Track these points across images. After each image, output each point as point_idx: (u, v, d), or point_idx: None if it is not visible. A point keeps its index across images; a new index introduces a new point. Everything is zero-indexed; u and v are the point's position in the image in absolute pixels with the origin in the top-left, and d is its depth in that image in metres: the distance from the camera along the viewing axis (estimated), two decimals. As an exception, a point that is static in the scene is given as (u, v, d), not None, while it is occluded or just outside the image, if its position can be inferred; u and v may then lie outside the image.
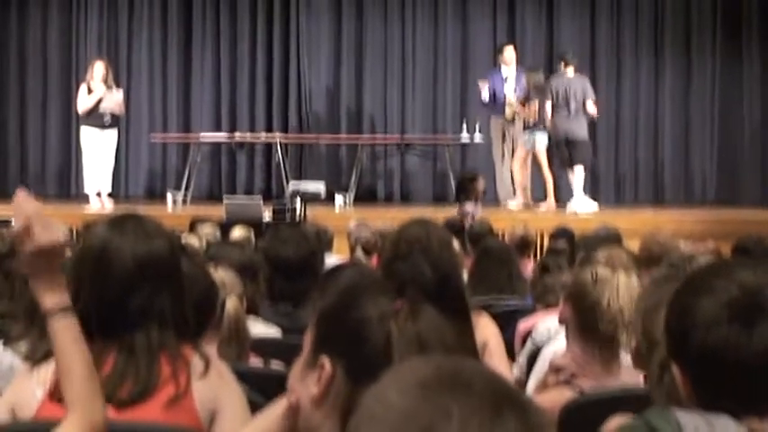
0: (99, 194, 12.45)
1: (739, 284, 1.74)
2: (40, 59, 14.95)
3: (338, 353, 1.71)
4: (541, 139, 12.30)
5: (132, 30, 15.00)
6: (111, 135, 12.50)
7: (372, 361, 1.66)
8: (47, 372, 2.47)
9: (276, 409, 1.95)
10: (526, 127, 12.37)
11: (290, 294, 4.14)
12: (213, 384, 2.50)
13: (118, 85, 12.81)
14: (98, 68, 12.48)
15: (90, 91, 12.40)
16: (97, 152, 12.41)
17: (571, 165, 12.08)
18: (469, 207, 10.12)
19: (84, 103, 12.38)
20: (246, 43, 14.90)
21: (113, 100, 12.39)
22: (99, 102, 12.31)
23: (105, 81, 12.41)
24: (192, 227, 7.97)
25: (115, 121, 12.54)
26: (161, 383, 2.44)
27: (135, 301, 2.47)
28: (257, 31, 14.90)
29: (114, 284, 2.47)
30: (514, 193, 12.66)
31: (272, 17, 14.88)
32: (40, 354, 2.53)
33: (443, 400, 1.08)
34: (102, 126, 12.34)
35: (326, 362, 1.71)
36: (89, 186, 12.55)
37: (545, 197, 12.53)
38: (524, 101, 12.37)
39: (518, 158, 12.54)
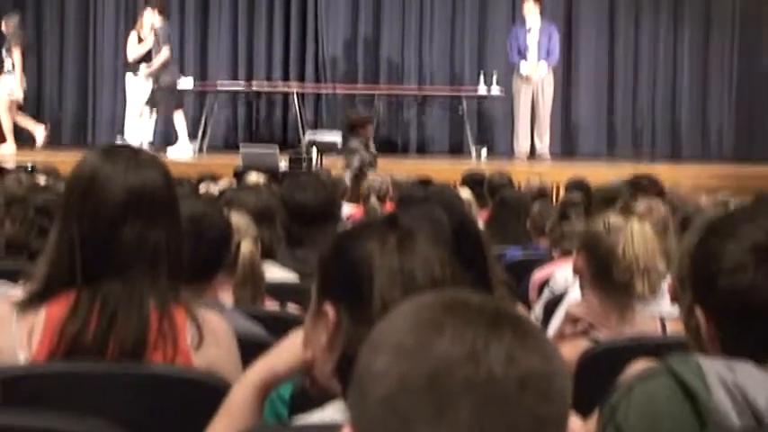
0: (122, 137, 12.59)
1: (765, 229, 1.72)
2: (57, 7, 14.88)
3: (339, 297, 1.71)
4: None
5: (150, -23, 14.91)
6: (144, 82, 12.60)
7: (372, 300, 1.66)
8: (32, 331, 2.27)
9: (289, 348, 1.93)
10: None
11: (307, 240, 4.14)
12: (209, 354, 2.35)
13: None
14: (147, 18, 12.57)
15: (140, 40, 12.57)
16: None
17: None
18: None
19: (133, 51, 12.58)
20: (264, -9, 14.81)
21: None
22: (149, 51, 12.49)
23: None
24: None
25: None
26: (151, 337, 2.28)
27: (126, 235, 2.29)
28: (275, -20, 14.81)
29: (104, 216, 2.29)
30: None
31: (290, -35, 14.79)
32: (26, 300, 2.30)
33: (437, 317, 1.10)
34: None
35: (330, 308, 1.71)
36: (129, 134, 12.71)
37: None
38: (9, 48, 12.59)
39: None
